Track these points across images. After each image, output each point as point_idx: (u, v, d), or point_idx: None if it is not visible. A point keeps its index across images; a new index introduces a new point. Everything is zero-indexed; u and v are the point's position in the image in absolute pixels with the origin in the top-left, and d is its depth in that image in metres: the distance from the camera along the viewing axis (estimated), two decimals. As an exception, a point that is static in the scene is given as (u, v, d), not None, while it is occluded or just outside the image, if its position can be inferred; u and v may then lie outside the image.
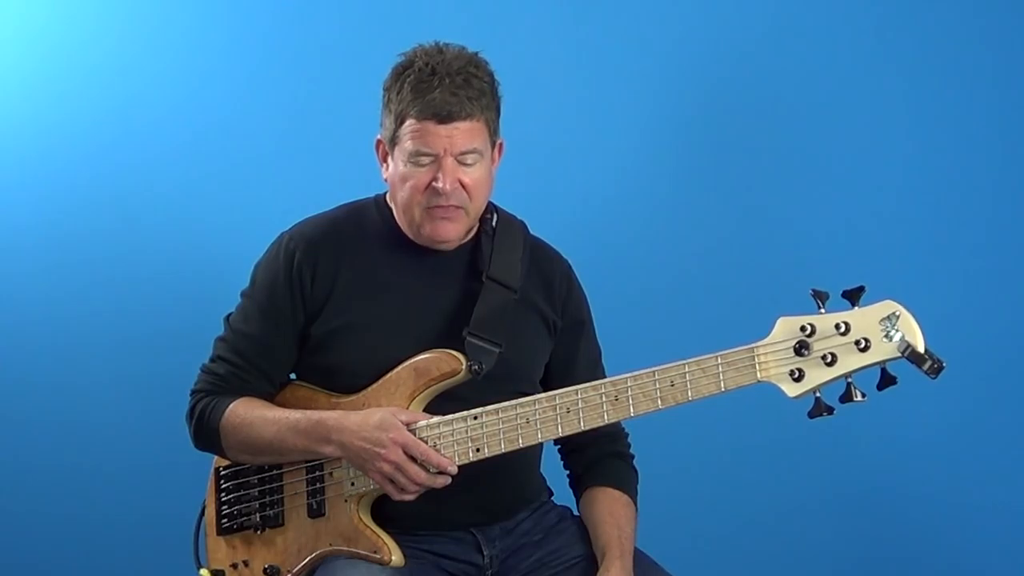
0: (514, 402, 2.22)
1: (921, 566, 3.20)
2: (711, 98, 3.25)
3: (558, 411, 2.20)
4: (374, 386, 2.29)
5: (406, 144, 2.26)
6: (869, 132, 3.18)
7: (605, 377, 2.34)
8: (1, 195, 3.41)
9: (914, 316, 2.00)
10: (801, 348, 2.04)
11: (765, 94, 3.23)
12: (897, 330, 1.99)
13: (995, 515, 3.13)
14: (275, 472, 2.36)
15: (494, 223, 2.39)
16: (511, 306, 2.34)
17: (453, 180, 2.25)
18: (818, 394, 2.05)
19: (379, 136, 2.33)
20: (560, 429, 2.21)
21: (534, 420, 2.21)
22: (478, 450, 2.22)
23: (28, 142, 3.40)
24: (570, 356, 2.43)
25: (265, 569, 2.33)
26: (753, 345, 2.08)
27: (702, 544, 3.17)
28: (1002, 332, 3.12)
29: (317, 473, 2.32)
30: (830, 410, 2.05)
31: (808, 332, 2.04)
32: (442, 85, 2.23)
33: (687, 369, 2.12)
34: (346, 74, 3.25)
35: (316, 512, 2.31)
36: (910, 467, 3.19)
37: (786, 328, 2.06)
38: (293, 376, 2.40)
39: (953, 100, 3.15)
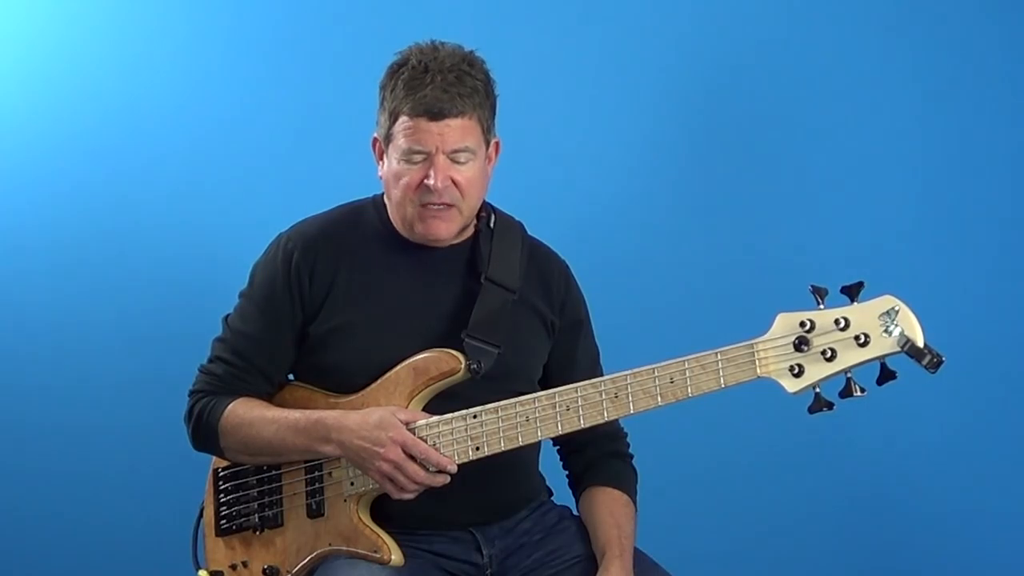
0: (514, 400, 2.22)
1: (921, 565, 3.20)
2: (708, 95, 3.26)
3: (558, 409, 2.20)
4: (373, 386, 2.29)
5: (399, 141, 2.26)
6: (867, 129, 3.19)
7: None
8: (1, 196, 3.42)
9: (913, 311, 1.99)
10: (800, 344, 2.04)
11: (763, 90, 3.24)
12: (896, 325, 1.99)
13: (996, 512, 3.14)
14: (274, 472, 2.35)
15: (492, 223, 2.39)
16: (509, 307, 2.34)
17: (445, 177, 2.25)
18: (818, 389, 2.05)
19: (375, 134, 2.34)
20: (560, 427, 2.20)
21: (534, 418, 2.21)
22: (478, 448, 2.22)
23: (28, 143, 3.40)
24: (568, 356, 2.43)
25: (264, 570, 2.33)
26: (752, 341, 2.08)
27: (702, 544, 3.17)
28: (1002, 326, 3.12)
29: (316, 473, 2.31)
30: (830, 405, 2.04)
31: (807, 328, 2.04)
32: (434, 82, 2.24)
33: (687, 366, 2.11)
34: (345, 74, 3.25)
35: (315, 512, 2.31)
36: (910, 464, 3.19)
37: (785, 324, 2.06)
38: (291, 376, 2.40)
39: (951, 96, 3.16)
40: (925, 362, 1.97)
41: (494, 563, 2.36)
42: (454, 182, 2.27)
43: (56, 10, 3.41)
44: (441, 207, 2.28)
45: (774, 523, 3.21)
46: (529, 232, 2.45)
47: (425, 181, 2.25)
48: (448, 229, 2.30)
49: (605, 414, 2.18)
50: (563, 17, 3.29)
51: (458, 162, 2.27)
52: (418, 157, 2.26)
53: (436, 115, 2.23)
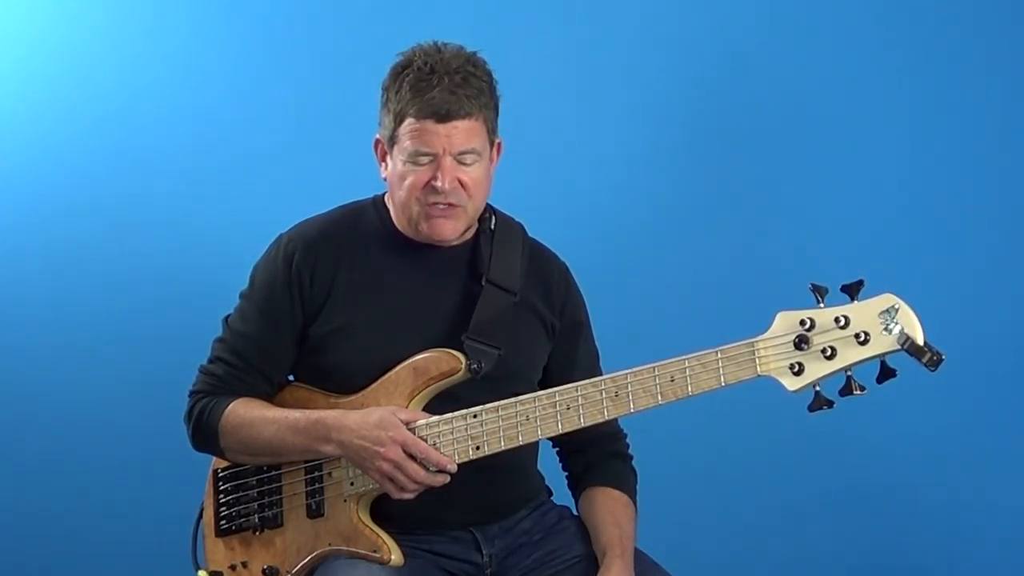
0: (514, 399, 2.22)
1: (922, 563, 3.20)
2: (708, 95, 3.27)
3: (558, 408, 2.20)
4: (373, 386, 2.29)
5: (405, 143, 2.26)
6: (867, 129, 3.19)
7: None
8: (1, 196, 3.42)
9: (913, 309, 1.99)
10: (801, 342, 2.04)
11: (763, 90, 3.24)
12: (896, 323, 1.99)
13: (996, 510, 3.14)
14: (274, 473, 2.35)
15: (492, 225, 2.39)
16: (510, 309, 2.34)
17: (452, 179, 2.25)
18: (818, 388, 2.05)
19: (377, 136, 2.33)
20: (560, 426, 2.20)
21: (534, 417, 2.21)
22: (478, 448, 2.22)
23: (28, 143, 3.40)
24: (568, 357, 2.43)
25: (264, 570, 2.33)
26: (753, 339, 2.08)
27: (702, 544, 3.17)
28: (1002, 324, 3.13)
29: (316, 473, 2.31)
30: (830, 404, 2.04)
31: (807, 326, 2.04)
32: (441, 84, 2.23)
33: (687, 364, 2.11)
34: (345, 75, 3.25)
35: (315, 512, 2.31)
36: (910, 462, 3.19)
37: (785, 322, 2.06)
38: (292, 377, 2.39)
39: (952, 94, 3.17)
40: (925, 360, 1.97)
41: (494, 563, 2.36)
42: (461, 183, 2.26)
43: (56, 10, 3.41)
44: (447, 208, 2.27)
45: (774, 522, 3.21)
46: (529, 233, 2.45)
47: (432, 183, 2.25)
48: (455, 228, 2.31)
49: (605, 413, 2.18)
50: (562, 17, 3.29)
51: (464, 163, 2.27)
52: (424, 159, 2.26)
53: (443, 117, 2.23)
